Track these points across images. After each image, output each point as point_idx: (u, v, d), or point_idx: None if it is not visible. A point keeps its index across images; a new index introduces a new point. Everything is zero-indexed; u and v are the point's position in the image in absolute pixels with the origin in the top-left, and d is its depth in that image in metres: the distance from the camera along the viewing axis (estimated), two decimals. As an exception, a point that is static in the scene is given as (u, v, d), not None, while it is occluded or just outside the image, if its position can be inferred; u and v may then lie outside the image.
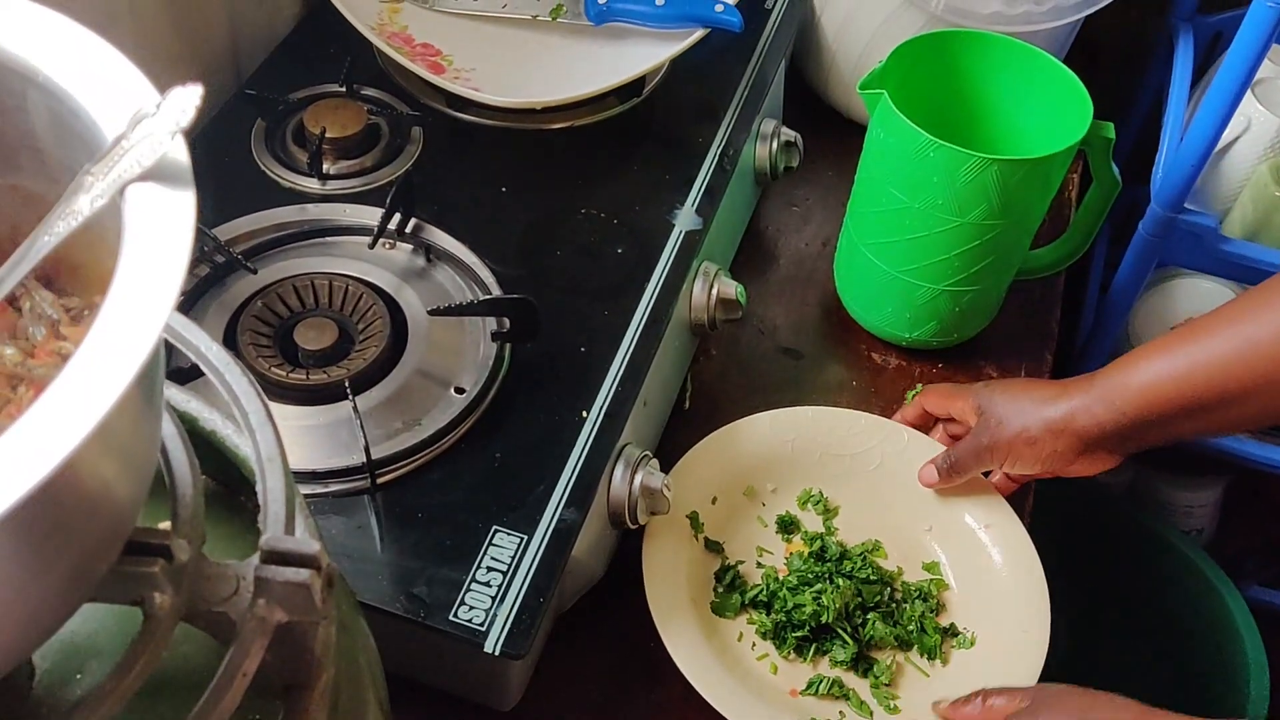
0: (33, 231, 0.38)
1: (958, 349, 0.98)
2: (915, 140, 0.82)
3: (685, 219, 0.90)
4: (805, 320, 1.02)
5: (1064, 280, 1.06)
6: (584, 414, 0.77)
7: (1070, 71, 0.87)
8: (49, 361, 0.48)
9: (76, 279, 0.51)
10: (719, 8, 0.92)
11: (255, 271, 0.82)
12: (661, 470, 0.79)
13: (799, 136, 1.03)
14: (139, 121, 0.35)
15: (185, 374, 0.67)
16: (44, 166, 0.44)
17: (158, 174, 0.34)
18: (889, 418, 0.90)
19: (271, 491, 0.41)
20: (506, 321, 0.80)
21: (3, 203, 0.47)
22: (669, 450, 0.87)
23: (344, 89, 0.96)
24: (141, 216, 0.34)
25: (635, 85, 0.96)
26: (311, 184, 0.90)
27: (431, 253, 0.86)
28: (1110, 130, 0.85)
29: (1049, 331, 1.02)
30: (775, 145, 1.02)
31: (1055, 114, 0.87)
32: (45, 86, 0.39)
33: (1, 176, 0.45)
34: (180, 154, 0.35)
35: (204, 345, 0.46)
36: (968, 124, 0.93)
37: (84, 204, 0.35)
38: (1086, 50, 1.15)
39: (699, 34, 0.93)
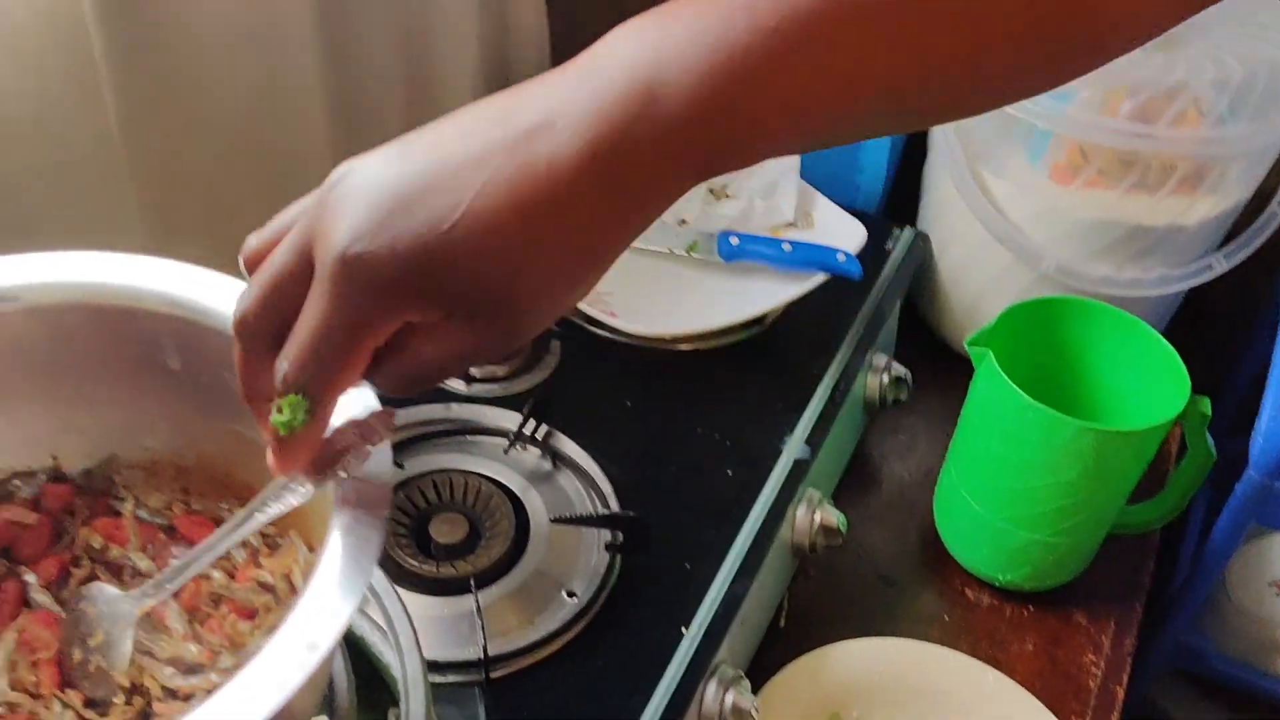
0: (251, 503, 0.46)
1: (1050, 594, 1.01)
2: (1015, 400, 0.88)
3: (794, 447, 0.96)
4: (903, 549, 1.06)
5: (1160, 532, 1.09)
6: (684, 629, 0.83)
7: (1170, 347, 0.92)
8: (247, 585, 0.56)
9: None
10: (841, 257, 1.01)
11: (402, 466, 0.91)
12: (752, 689, 0.83)
13: (909, 373, 1.10)
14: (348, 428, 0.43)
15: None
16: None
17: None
18: (977, 658, 0.93)
19: (414, 714, 0.48)
20: (620, 534, 0.87)
21: (225, 444, 0.56)
22: (762, 666, 0.92)
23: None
24: (345, 512, 0.43)
25: (758, 316, 1.04)
26: (458, 384, 0.99)
27: (558, 459, 0.94)
28: (1207, 406, 0.90)
29: (1141, 583, 1.04)
30: (886, 379, 1.08)
31: (1155, 385, 0.92)
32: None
33: (226, 422, 0.55)
34: (386, 460, 0.43)
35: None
36: (1069, 386, 0.98)
37: (295, 499, 0.43)
38: (1192, 307, 1.20)
39: (821, 279, 1.01)
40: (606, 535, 0.88)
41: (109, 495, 0.62)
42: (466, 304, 0.42)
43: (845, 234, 1.06)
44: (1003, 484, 0.93)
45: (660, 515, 0.88)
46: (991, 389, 0.91)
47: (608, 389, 1.01)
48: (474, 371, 1.00)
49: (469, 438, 0.96)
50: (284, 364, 0.43)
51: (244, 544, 0.60)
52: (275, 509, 0.46)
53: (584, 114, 0.42)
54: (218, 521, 0.62)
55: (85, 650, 0.55)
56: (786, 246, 1.02)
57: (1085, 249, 1.06)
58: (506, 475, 0.92)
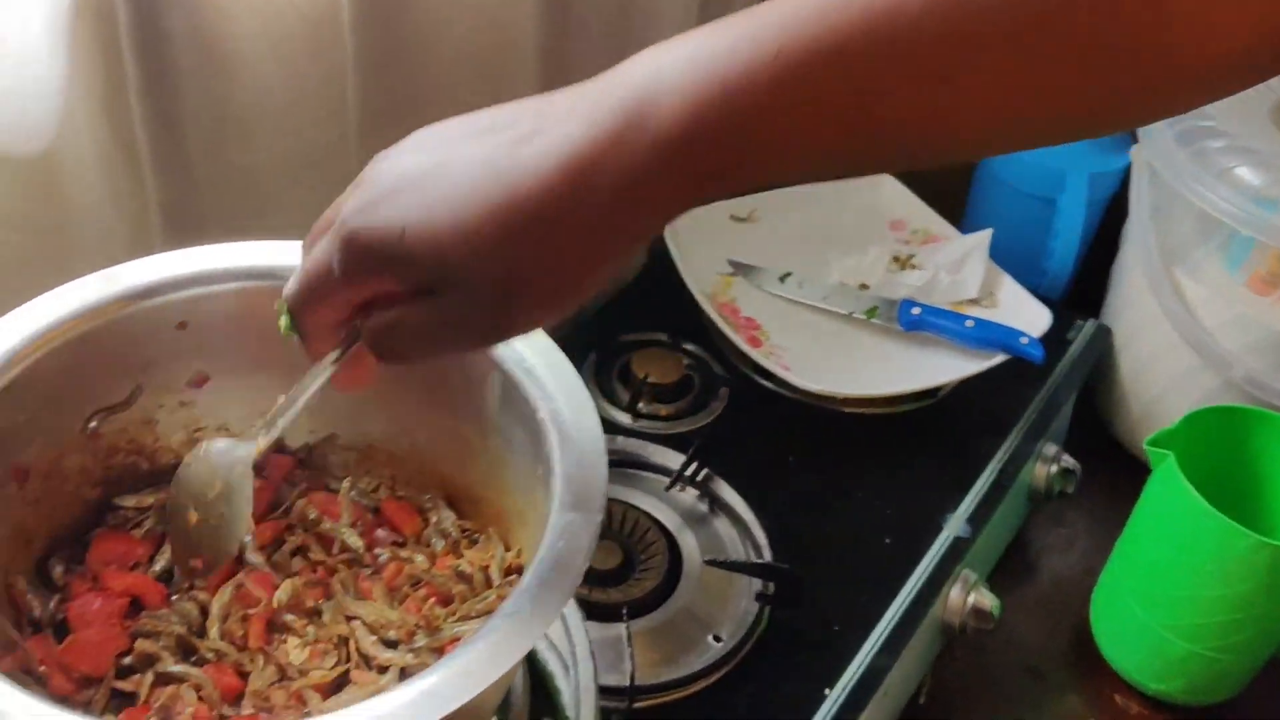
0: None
1: (1204, 710, 0.97)
2: (1193, 506, 0.85)
3: (955, 525, 0.95)
4: (1053, 643, 1.04)
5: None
6: (826, 691, 0.82)
7: (1363, 470, 0.88)
8: (445, 573, 0.59)
9: (476, 510, 0.63)
10: (1024, 340, 1.00)
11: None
12: (887, 762, 0.83)
13: (1079, 466, 1.07)
14: None
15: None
16: (481, 419, 0.56)
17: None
18: (1120, 765, 0.90)
19: (582, 729, 0.49)
20: (771, 585, 0.87)
21: (438, 438, 0.59)
22: (896, 742, 0.91)
23: (668, 340, 1.08)
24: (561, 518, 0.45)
25: (931, 388, 1.04)
26: (624, 418, 1.01)
27: (715, 503, 0.95)
28: (1397, 536, 0.86)
29: (1304, 714, 1.00)
30: (1054, 469, 1.06)
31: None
32: (505, 371, 0.51)
33: (444, 417, 0.58)
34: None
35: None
36: (1249, 498, 0.95)
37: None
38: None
39: (1000, 359, 1.00)
40: (757, 585, 0.88)
41: (325, 472, 0.65)
42: (431, 284, 0.45)
43: (1030, 317, 1.05)
44: (1170, 591, 0.90)
45: (813, 572, 0.88)
46: (1169, 492, 0.89)
47: (771, 441, 1.01)
48: (641, 406, 1.02)
49: (631, 471, 0.97)
50: (289, 282, 0.51)
51: (444, 535, 0.62)
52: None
53: (574, 126, 0.43)
54: (420, 510, 0.65)
55: (203, 507, 0.57)
56: (969, 323, 1.01)
57: (1277, 361, 1.02)
58: (664, 513, 0.93)
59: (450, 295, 0.45)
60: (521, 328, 0.47)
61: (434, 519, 0.64)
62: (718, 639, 0.85)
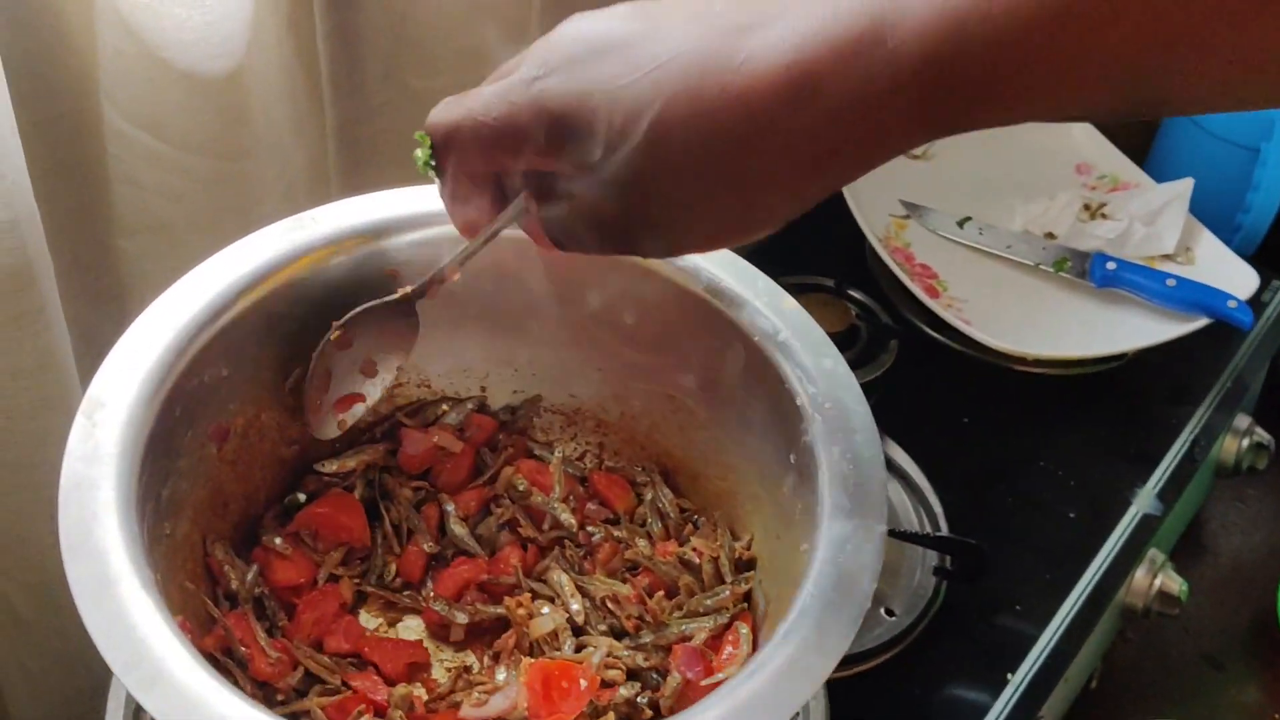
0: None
1: (1401, 712, 0.90)
2: None
3: (1145, 500, 0.88)
4: (1234, 629, 0.97)
5: None
6: (1009, 676, 0.77)
7: None
8: (669, 561, 0.53)
9: (694, 487, 0.58)
10: (1232, 303, 0.91)
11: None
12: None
13: (1274, 441, 0.99)
14: None
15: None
16: (714, 390, 0.50)
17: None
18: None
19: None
20: (949, 559, 0.82)
21: (653, 406, 0.54)
22: (1068, 728, 0.85)
23: (833, 285, 1.01)
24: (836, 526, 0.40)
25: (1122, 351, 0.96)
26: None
27: (888, 466, 0.88)
28: None
29: None
30: (1246, 443, 0.99)
31: None
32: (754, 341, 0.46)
33: (661, 384, 0.52)
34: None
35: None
36: None
37: None
38: None
39: (1202, 323, 0.92)
40: (933, 557, 0.83)
41: (527, 436, 0.61)
42: (612, 172, 0.39)
43: (1232, 277, 0.96)
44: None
45: (994, 548, 0.82)
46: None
47: (945, 401, 0.95)
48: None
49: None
50: (438, 109, 0.45)
51: (661, 514, 0.57)
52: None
53: (806, 22, 0.37)
54: (633, 483, 0.60)
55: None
56: (1171, 282, 0.93)
57: None
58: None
59: (632, 188, 0.39)
60: (698, 245, 0.42)
61: (649, 495, 0.59)
62: (891, 613, 0.80)
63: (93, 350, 0.53)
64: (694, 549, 0.55)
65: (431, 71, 0.69)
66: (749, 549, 0.56)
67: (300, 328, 0.54)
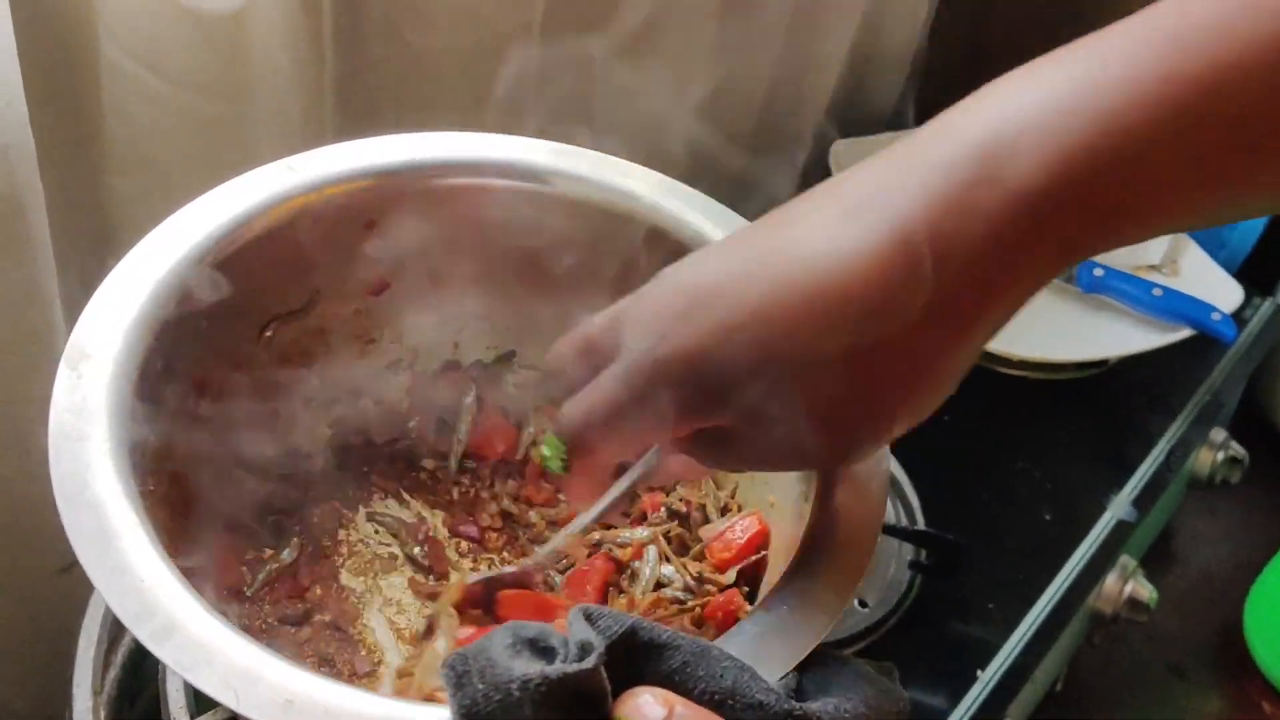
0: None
1: (1361, 730, 0.91)
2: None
3: (1120, 506, 0.88)
4: (1200, 640, 0.98)
5: None
6: (979, 673, 0.77)
7: None
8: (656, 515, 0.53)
9: None
10: (1216, 316, 0.92)
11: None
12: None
13: (1247, 455, 1.00)
14: None
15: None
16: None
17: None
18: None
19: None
20: (925, 553, 0.82)
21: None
22: (1032, 727, 0.86)
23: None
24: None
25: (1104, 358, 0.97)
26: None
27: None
28: None
29: None
30: (1221, 456, 0.99)
31: None
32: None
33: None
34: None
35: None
36: None
37: None
38: None
39: (1186, 334, 0.92)
40: (908, 551, 0.83)
41: (499, 392, 0.60)
42: (752, 409, 0.38)
43: (1216, 291, 0.97)
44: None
45: (967, 544, 0.82)
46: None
47: (926, 397, 0.95)
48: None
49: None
50: (566, 411, 0.43)
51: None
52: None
53: (901, 194, 0.36)
54: None
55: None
56: (1157, 291, 0.93)
57: None
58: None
59: (777, 421, 0.38)
60: (878, 445, 0.42)
61: None
62: (864, 605, 0.80)
63: (79, 289, 0.51)
64: (681, 499, 0.55)
65: (429, 28, 0.68)
66: (733, 497, 0.56)
67: (277, 279, 0.53)
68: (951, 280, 0.35)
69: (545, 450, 0.44)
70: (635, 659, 0.35)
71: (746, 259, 0.38)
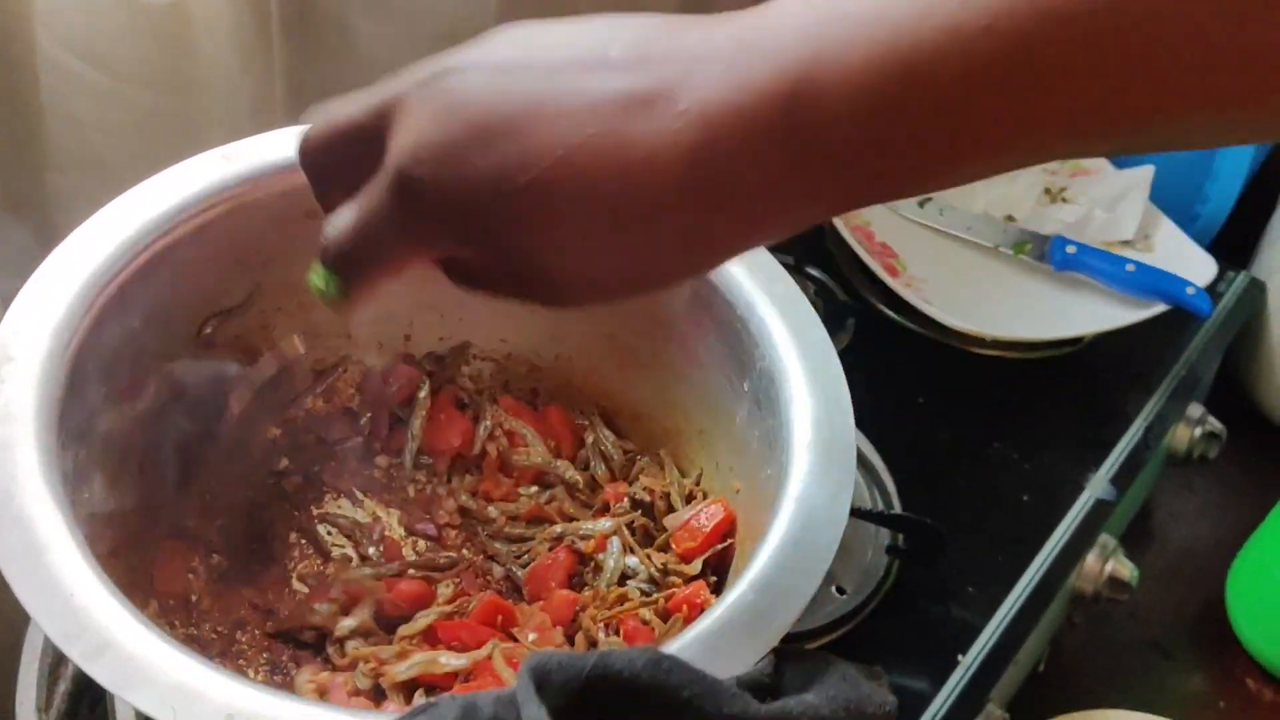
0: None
1: (1346, 704, 0.91)
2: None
3: (1098, 485, 0.88)
4: (1182, 619, 0.97)
5: None
6: (960, 658, 0.76)
7: None
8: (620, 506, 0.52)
9: (637, 428, 0.56)
10: (1190, 290, 0.91)
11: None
12: (1013, 735, 0.76)
13: (1225, 430, 0.99)
14: None
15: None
16: (656, 325, 0.48)
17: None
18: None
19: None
20: (902, 538, 0.81)
21: (591, 349, 0.52)
22: (1017, 709, 0.84)
23: (792, 263, 1.00)
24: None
25: (1079, 335, 0.96)
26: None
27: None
28: None
29: None
30: (1198, 432, 0.98)
31: None
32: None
33: (601, 325, 0.50)
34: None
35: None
36: None
37: None
38: None
39: (1160, 309, 0.92)
40: (886, 536, 0.81)
41: (456, 385, 0.58)
42: (507, 264, 0.37)
43: (1190, 265, 0.96)
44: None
45: (945, 527, 0.81)
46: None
47: (900, 380, 0.94)
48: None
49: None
50: (329, 234, 0.39)
51: (605, 457, 0.55)
52: None
53: (714, 92, 0.34)
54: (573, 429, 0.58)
55: None
56: (1130, 267, 0.92)
57: None
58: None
59: (523, 276, 0.37)
60: (580, 306, 0.39)
61: (590, 439, 0.57)
62: (841, 591, 0.78)
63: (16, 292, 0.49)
64: (644, 488, 0.54)
65: (383, 17, 0.66)
66: (698, 484, 0.55)
67: (215, 273, 0.51)
68: (717, 201, 0.34)
69: (316, 280, 0.40)
70: (599, 702, 0.34)
71: (544, 104, 0.35)
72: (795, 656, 0.39)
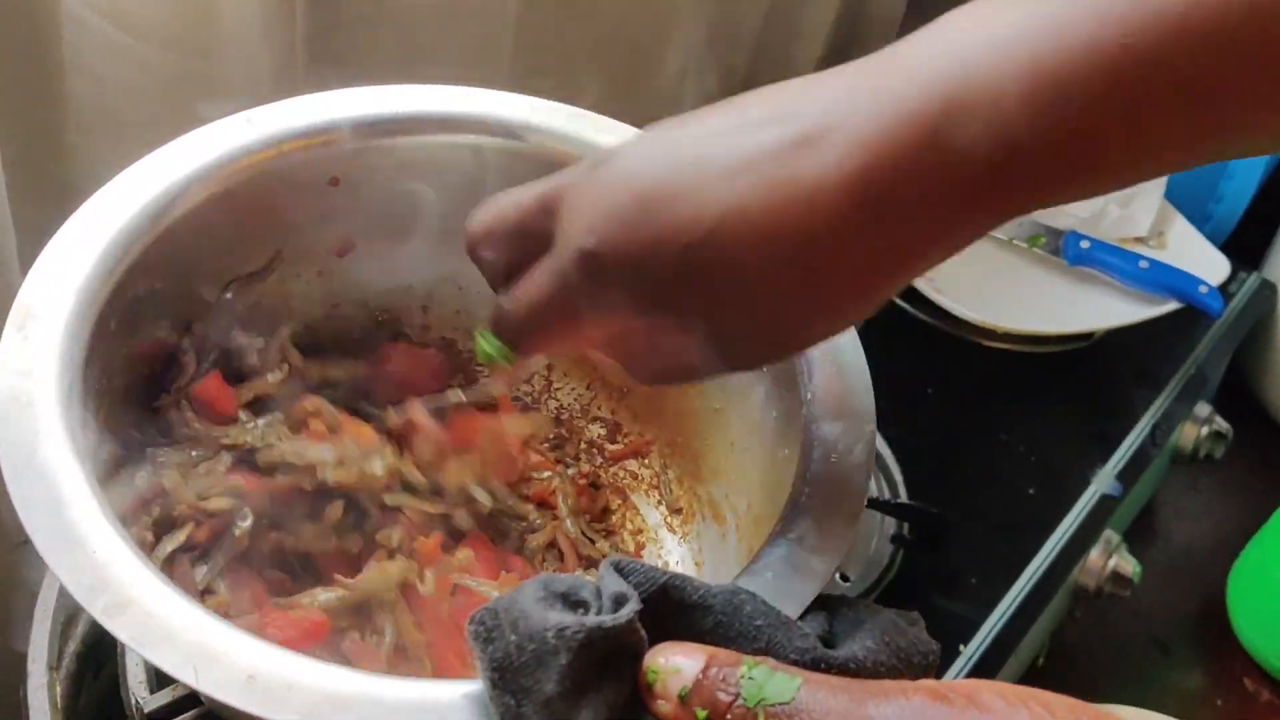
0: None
1: (1342, 707, 0.91)
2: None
3: (1104, 480, 0.88)
4: (1182, 616, 0.97)
5: None
6: (961, 648, 0.76)
7: None
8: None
9: (651, 407, 0.56)
10: (1203, 289, 0.91)
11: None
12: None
13: (1231, 430, 0.99)
14: None
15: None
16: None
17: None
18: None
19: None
20: (906, 527, 0.81)
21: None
22: (1015, 703, 0.85)
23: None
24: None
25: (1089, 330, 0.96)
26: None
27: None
28: None
29: None
30: (1206, 431, 0.98)
31: None
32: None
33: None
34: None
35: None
36: None
37: None
38: None
39: (1172, 306, 0.92)
40: (890, 525, 0.82)
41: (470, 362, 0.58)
42: (695, 320, 0.39)
43: (1203, 264, 0.96)
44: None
45: (951, 520, 0.82)
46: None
47: (910, 371, 0.94)
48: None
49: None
50: (507, 309, 0.42)
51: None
52: None
53: (864, 129, 0.35)
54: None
55: None
56: (1144, 264, 0.92)
57: None
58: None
59: (716, 331, 0.39)
60: (778, 359, 0.42)
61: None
62: (845, 578, 0.79)
63: (39, 251, 0.49)
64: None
65: (407, -14, 0.66)
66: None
67: (236, 237, 0.51)
68: (884, 227, 0.36)
69: (485, 346, 0.43)
70: (665, 617, 0.35)
71: (701, 165, 0.37)
72: (843, 602, 0.40)
